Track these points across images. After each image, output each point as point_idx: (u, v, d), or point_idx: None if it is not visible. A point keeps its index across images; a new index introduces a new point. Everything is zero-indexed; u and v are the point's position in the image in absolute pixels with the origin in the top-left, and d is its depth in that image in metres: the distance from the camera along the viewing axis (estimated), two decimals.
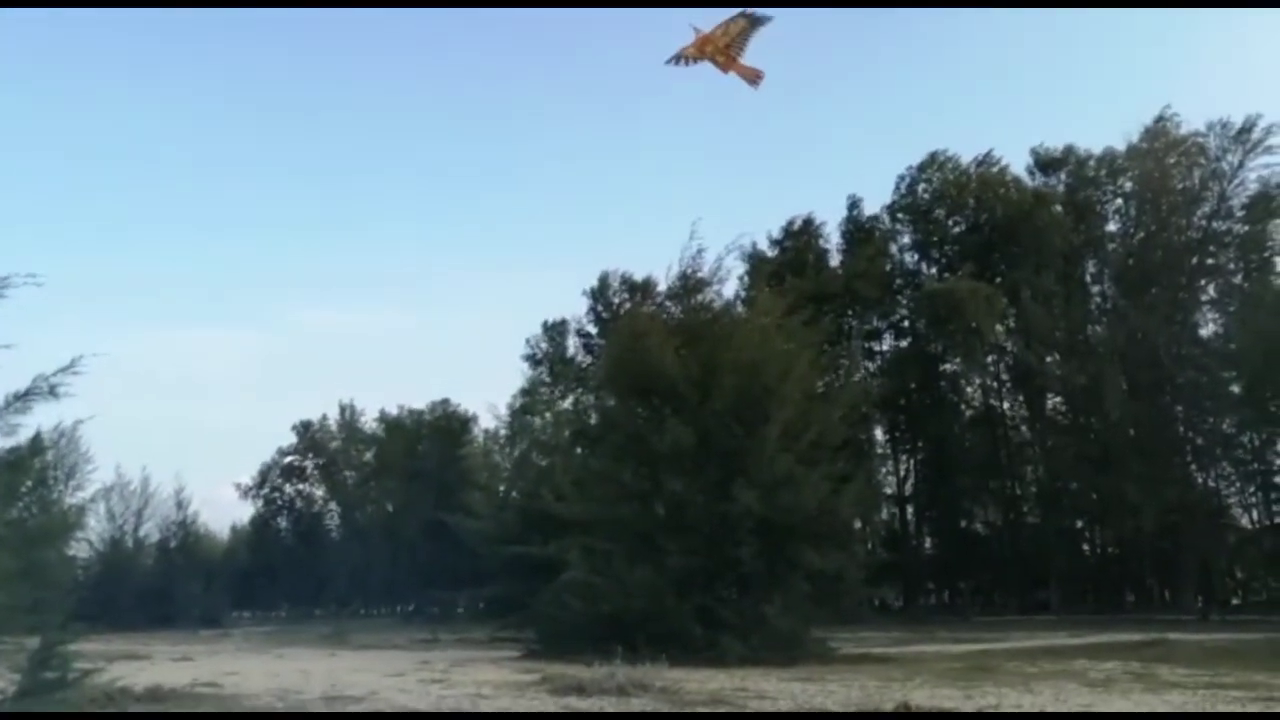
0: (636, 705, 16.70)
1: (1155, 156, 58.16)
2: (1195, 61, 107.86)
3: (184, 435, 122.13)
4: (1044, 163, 63.77)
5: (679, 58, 13.38)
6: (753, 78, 13.46)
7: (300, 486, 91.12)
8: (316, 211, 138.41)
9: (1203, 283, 59.43)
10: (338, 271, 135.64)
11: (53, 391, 13.84)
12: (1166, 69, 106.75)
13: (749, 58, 13.21)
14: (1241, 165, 56.10)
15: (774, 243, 67.05)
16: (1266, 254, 57.66)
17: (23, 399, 13.67)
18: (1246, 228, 57.36)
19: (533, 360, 73.60)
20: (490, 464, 69.31)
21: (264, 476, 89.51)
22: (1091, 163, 62.29)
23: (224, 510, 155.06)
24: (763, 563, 28.83)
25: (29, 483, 17.74)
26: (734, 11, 13.16)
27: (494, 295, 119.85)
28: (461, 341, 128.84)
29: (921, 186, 66.50)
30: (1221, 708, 15.56)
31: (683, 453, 30.17)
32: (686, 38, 13.40)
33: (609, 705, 16.72)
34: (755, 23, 13.09)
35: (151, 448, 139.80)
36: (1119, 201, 62.18)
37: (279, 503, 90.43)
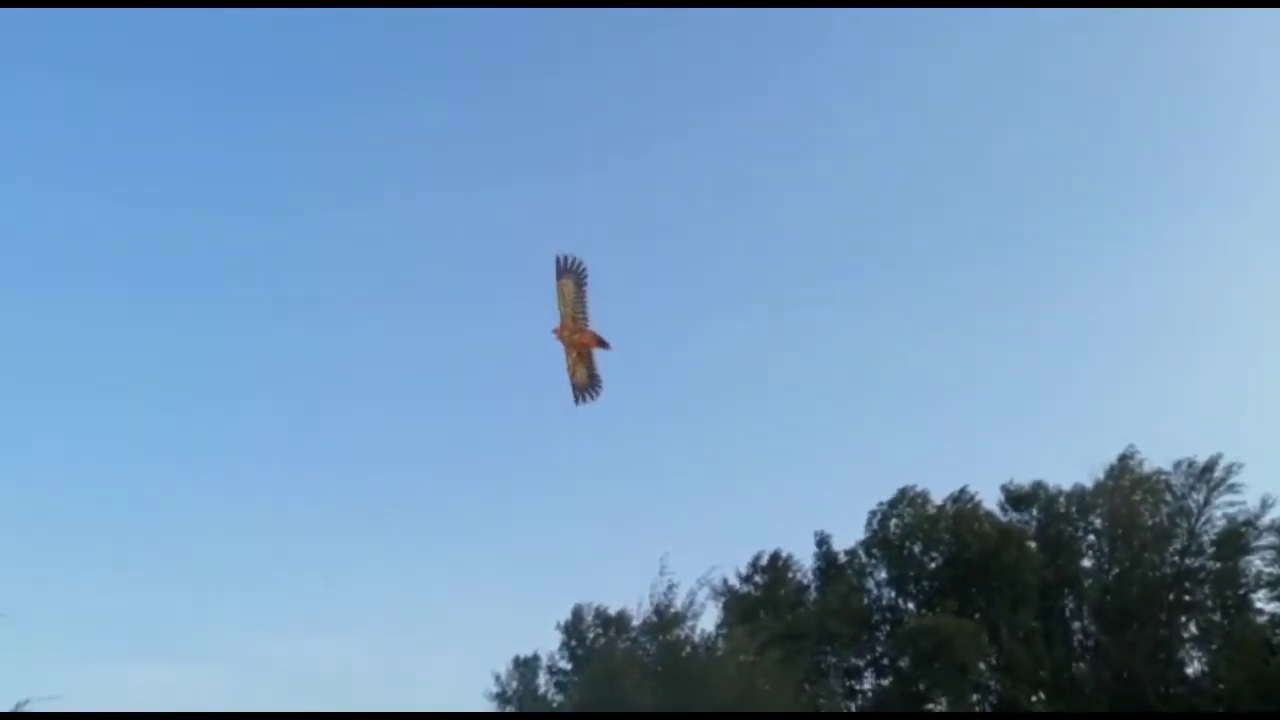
0: None
1: (1122, 493, 59.09)
2: (1157, 401, 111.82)
3: None
4: (1015, 498, 64.25)
5: (580, 392, 13.73)
6: (602, 344, 13.72)
7: None
8: (275, 542, 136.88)
9: (1183, 619, 58.86)
10: (294, 599, 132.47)
11: None
12: (1130, 408, 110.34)
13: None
14: (1207, 503, 57.03)
15: (744, 578, 66.13)
16: (1242, 591, 57.33)
17: None
18: (1219, 564, 57.42)
19: (501, 698, 70.56)
20: None
21: None
22: (1061, 499, 62.86)
23: None
24: None
25: None
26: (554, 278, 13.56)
27: (457, 622, 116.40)
28: (425, 673, 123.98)
29: (894, 522, 66.60)
30: None
31: None
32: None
33: None
34: (579, 277, 13.49)
35: None
36: (1091, 537, 62.33)
37: None
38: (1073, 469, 64.99)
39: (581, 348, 13.53)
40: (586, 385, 13.67)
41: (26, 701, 13.43)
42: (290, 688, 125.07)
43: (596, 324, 13.58)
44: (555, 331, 13.48)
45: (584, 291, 13.43)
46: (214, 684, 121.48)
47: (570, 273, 13.43)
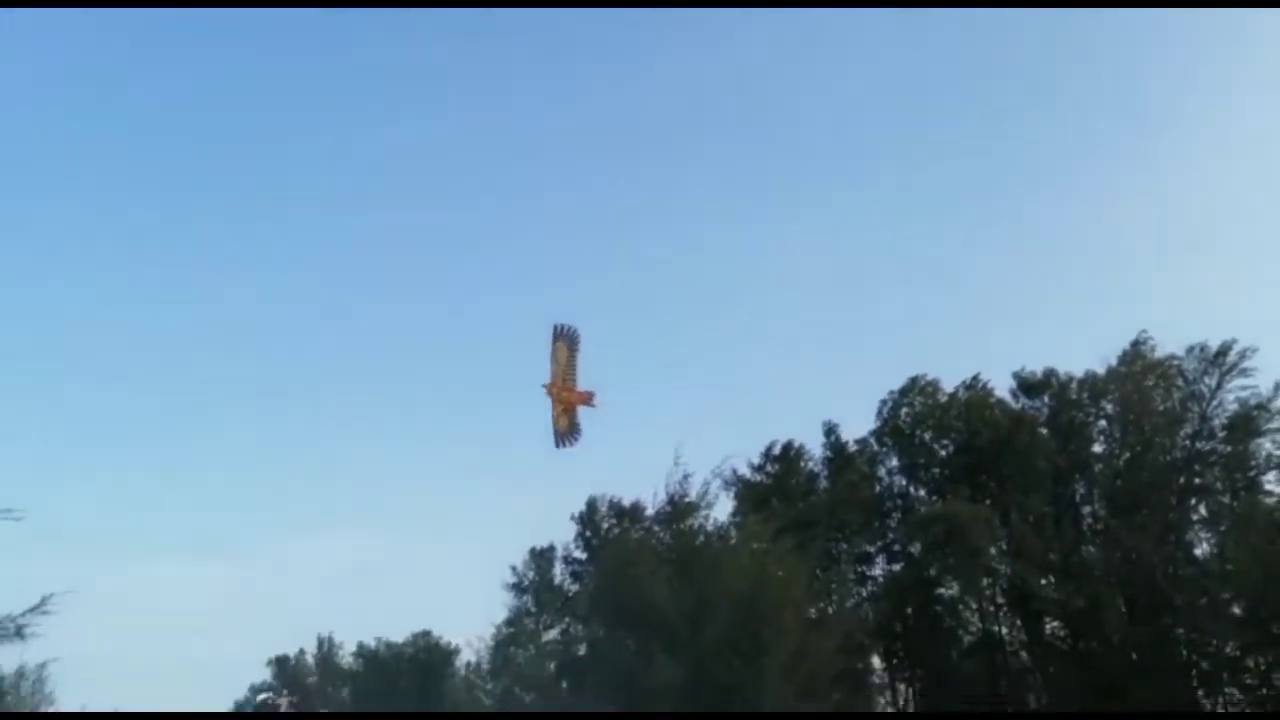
0: None
1: (1134, 379, 58.96)
2: (1172, 287, 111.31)
3: (153, 671, 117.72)
4: (1027, 386, 64.29)
5: (560, 438, 15.79)
6: (588, 401, 15.73)
7: None
8: (293, 441, 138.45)
9: (1192, 502, 59.12)
10: (315, 500, 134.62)
11: (19, 633, 13.37)
12: (1145, 292, 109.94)
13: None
14: (1219, 387, 56.86)
15: (755, 468, 66.76)
16: (1252, 473, 57.53)
17: None
18: (1229, 447, 57.52)
19: (518, 588, 71.89)
20: (473, 700, 66.72)
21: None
22: (1073, 385, 62.83)
23: None
24: None
25: None
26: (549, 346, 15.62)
27: (477, 521, 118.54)
28: (444, 570, 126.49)
29: (904, 411, 66.78)
30: None
31: (675, 689, 28.98)
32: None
33: None
34: (572, 343, 15.41)
35: (120, 684, 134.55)
36: (1103, 423, 62.47)
37: None
38: (1085, 356, 64.90)
39: (568, 404, 15.41)
40: (567, 433, 15.67)
41: (50, 597, 13.48)
42: (310, 585, 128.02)
43: (585, 384, 15.69)
44: (545, 387, 15.41)
45: (575, 356, 15.36)
46: (237, 584, 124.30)
47: (565, 338, 15.36)
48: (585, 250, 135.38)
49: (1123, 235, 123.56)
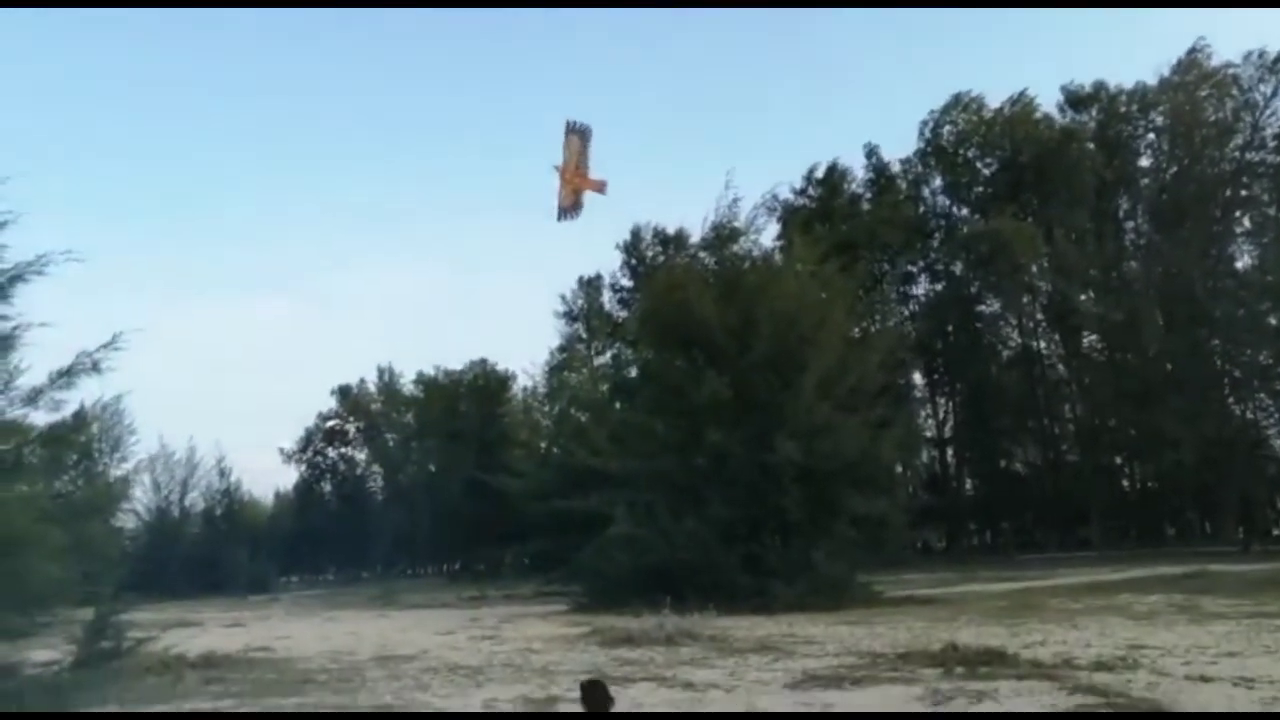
0: (685, 654, 16.86)
1: (1187, 90, 57.40)
2: None
3: (224, 404, 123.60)
4: (1074, 100, 62.77)
5: (563, 211, 16.71)
6: (599, 188, 16.81)
7: (342, 450, 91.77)
8: (346, 173, 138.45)
9: (1237, 215, 58.77)
10: (368, 232, 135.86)
11: (95, 367, 14.04)
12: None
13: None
14: (1276, 94, 55.42)
15: (798, 191, 66.48)
16: None
17: (66, 375, 13.87)
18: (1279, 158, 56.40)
19: (569, 316, 73.60)
20: (530, 421, 69.63)
21: (306, 441, 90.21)
22: (1123, 98, 61.37)
23: (267, 477, 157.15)
24: (806, 510, 28.95)
25: (74, 456, 18.04)
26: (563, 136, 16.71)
27: (526, 253, 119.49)
28: (497, 300, 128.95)
29: (947, 129, 65.57)
30: (1265, 637, 15.60)
31: (721, 404, 30.23)
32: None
33: (658, 655, 16.87)
34: (584, 137, 16.37)
35: (193, 418, 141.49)
36: (1151, 136, 61.41)
37: (322, 467, 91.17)
38: (1137, 68, 62.69)
39: (578, 189, 16.45)
40: (570, 209, 16.70)
41: (121, 334, 14.15)
42: (370, 318, 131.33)
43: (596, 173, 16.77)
44: (557, 169, 16.34)
45: (587, 148, 16.36)
46: (299, 319, 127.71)
47: (577, 132, 16.36)
48: None
49: None
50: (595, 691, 6.04)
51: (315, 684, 14.89)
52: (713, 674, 14.20)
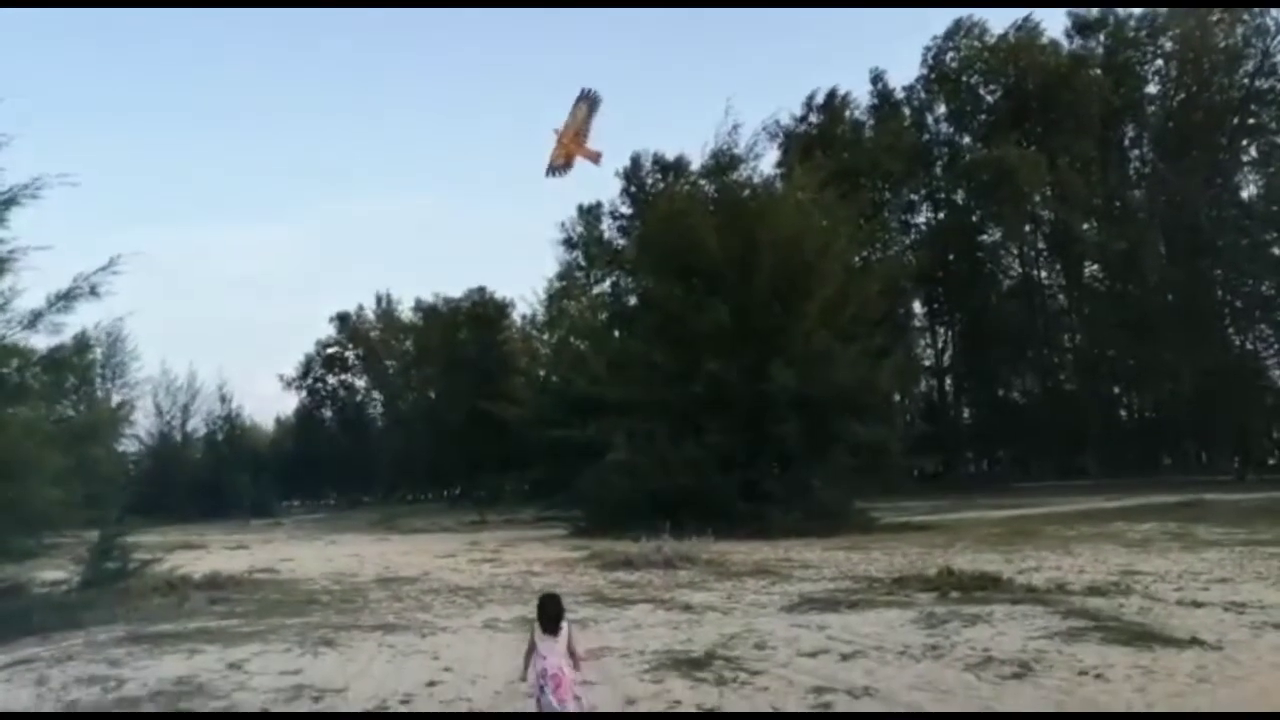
0: (683, 577, 17.10)
1: (1198, 15, 56.41)
2: None
3: (225, 331, 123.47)
4: (1082, 26, 61.75)
5: (553, 168, 16.54)
6: (594, 158, 16.78)
7: (342, 377, 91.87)
8: (342, 98, 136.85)
9: (1244, 143, 58.25)
10: (366, 160, 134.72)
11: (93, 291, 14.04)
12: None
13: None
14: None
15: (799, 118, 65.65)
16: None
17: (65, 299, 13.86)
18: None
19: (568, 244, 73.30)
20: (529, 349, 69.57)
21: (306, 368, 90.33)
22: (1131, 23, 60.42)
23: (268, 403, 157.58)
24: (804, 438, 29.12)
25: (74, 380, 18.07)
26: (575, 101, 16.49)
27: (524, 181, 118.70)
28: (496, 228, 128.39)
29: (950, 56, 64.56)
30: (1258, 563, 15.78)
31: (721, 332, 30.24)
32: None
33: (656, 578, 17.10)
34: (593, 105, 16.33)
35: (193, 344, 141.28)
36: (1159, 63, 60.55)
37: (322, 393, 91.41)
38: None
39: (573, 153, 16.35)
40: (561, 168, 16.49)
41: (119, 257, 14.11)
42: (368, 246, 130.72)
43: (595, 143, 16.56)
44: (556, 131, 16.21)
45: (592, 118, 16.26)
46: (296, 246, 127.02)
47: (587, 100, 16.27)
48: None
49: None
50: (550, 604, 6.64)
51: (319, 604, 15.08)
52: (710, 596, 14.41)
